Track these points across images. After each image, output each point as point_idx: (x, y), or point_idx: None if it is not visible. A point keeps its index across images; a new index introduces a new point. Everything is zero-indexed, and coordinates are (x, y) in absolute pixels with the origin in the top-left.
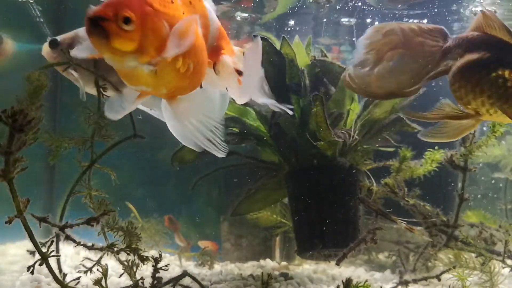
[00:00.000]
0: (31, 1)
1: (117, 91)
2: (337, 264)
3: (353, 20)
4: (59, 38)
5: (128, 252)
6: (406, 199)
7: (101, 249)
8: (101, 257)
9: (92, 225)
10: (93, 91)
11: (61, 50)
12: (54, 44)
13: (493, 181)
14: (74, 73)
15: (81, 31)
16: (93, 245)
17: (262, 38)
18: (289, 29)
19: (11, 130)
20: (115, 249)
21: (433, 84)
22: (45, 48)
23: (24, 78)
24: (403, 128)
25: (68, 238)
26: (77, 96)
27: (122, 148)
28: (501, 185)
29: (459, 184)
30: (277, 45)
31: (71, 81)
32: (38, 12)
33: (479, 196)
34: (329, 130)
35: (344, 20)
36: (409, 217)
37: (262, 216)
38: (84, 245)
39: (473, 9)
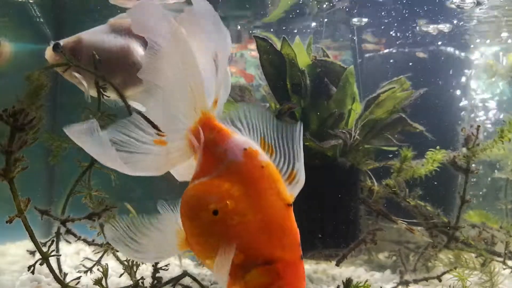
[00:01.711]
0: (31, 1)
1: (119, 94)
2: (337, 265)
3: (365, 20)
4: (62, 41)
5: None
6: (408, 200)
7: (101, 245)
8: (101, 257)
9: (94, 220)
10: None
11: (60, 52)
12: (57, 48)
13: (492, 181)
14: (78, 75)
15: (84, 34)
16: (93, 241)
17: (262, 39)
18: (290, 29)
19: (12, 129)
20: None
21: (434, 84)
22: (48, 52)
23: (24, 78)
24: (405, 128)
25: (69, 231)
26: (77, 96)
27: None
28: (499, 185)
29: (459, 182)
30: (279, 46)
31: (70, 82)
32: (38, 12)
33: (483, 193)
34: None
35: (354, 20)
36: (408, 216)
37: None
38: (85, 240)
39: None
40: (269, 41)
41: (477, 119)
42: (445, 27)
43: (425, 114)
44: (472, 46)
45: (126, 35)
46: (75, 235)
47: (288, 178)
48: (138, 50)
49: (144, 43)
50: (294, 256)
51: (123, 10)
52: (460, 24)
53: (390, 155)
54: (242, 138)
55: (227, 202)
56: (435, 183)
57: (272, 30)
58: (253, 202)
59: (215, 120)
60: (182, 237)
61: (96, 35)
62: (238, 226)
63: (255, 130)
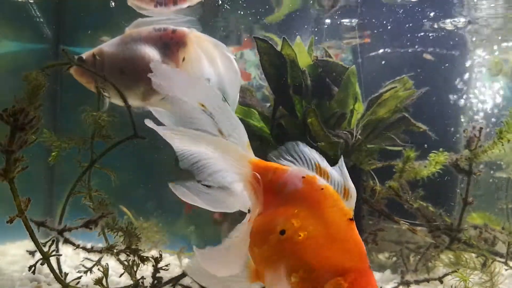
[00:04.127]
0: (31, 1)
1: (144, 101)
2: None
3: (354, 21)
4: (84, 55)
5: (128, 253)
6: (410, 202)
7: (100, 251)
8: (101, 258)
9: (91, 228)
10: (119, 101)
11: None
12: (80, 62)
13: (493, 180)
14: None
15: (105, 47)
16: (92, 248)
17: (262, 40)
18: (291, 30)
19: (12, 129)
20: (115, 250)
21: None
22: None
23: (22, 78)
24: (408, 127)
25: (67, 241)
26: (77, 96)
27: (122, 148)
28: (494, 185)
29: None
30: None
31: (71, 82)
32: (38, 12)
33: (484, 193)
34: (328, 135)
35: (345, 21)
36: (409, 215)
37: None
38: (84, 248)
39: None
40: (269, 42)
41: (479, 119)
42: (448, 24)
43: (427, 114)
44: (476, 44)
45: (144, 43)
46: (73, 244)
47: (344, 195)
48: (157, 58)
49: (161, 49)
50: (364, 265)
51: (124, 10)
52: (465, 21)
53: (393, 155)
54: (297, 169)
55: (293, 221)
56: (437, 180)
57: (275, 30)
58: (317, 220)
59: (263, 162)
60: (252, 270)
61: (116, 47)
62: (306, 242)
63: (309, 159)
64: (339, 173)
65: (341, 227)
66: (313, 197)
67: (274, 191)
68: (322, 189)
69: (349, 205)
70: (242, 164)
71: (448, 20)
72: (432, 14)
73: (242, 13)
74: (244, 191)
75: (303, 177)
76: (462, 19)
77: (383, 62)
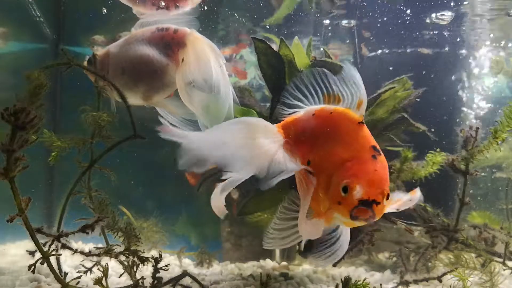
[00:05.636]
0: (30, 0)
1: (146, 101)
2: (334, 265)
3: (353, 22)
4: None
5: (127, 255)
6: None
7: (98, 255)
8: (100, 258)
9: (87, 233)
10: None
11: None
12: (91, 62)
13: (493, 181)
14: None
15: (111, 47)
16: (90, 252)
17: (260, 40)
18: (290, 31)
19: (13, 128)
20: (113, 253)
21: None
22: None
23: (24, 77)
24: (407, 128)
25: (64, 246)
26: (77, 96)
27: (122, 148)
28: (498, 186)
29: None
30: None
31: (70, 81)
32: (38, 12)
33: (485, 193)
34: None
35: (344, 22)
36: (408, 215)
37: (263, 219)
38: (81, 252)
39: None
40: (267, 42)
41: (475, 119)
42: (446, 20)
43: (428, 114)
44: (478, 43)
45: (146, 44)
46: (71, 249)
47: (358, 107)
48: (157, 58)
49: (162, 50)
50: (364, 155)
51: (123, 12)
52: (466, 20)
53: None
54: (304, 111)
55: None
56: (437, 180)
57: (275, 31)
58: (332, 139)
59: (283, 123)
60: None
61: (120, 47)
62: (327, 159)
63: (316, 93)
64: (351, 88)
65: (349, 129)
66: (324, 123)
67: (300, 140)
68: (331, 113)
69: (360, 112)
70: (276, 135)
71: (442, 16)
72: (426, 9)
73: (242, 13)
74: (284, 156)
75: (313, 114)
76: (450, 13)
77: (381, 62)
